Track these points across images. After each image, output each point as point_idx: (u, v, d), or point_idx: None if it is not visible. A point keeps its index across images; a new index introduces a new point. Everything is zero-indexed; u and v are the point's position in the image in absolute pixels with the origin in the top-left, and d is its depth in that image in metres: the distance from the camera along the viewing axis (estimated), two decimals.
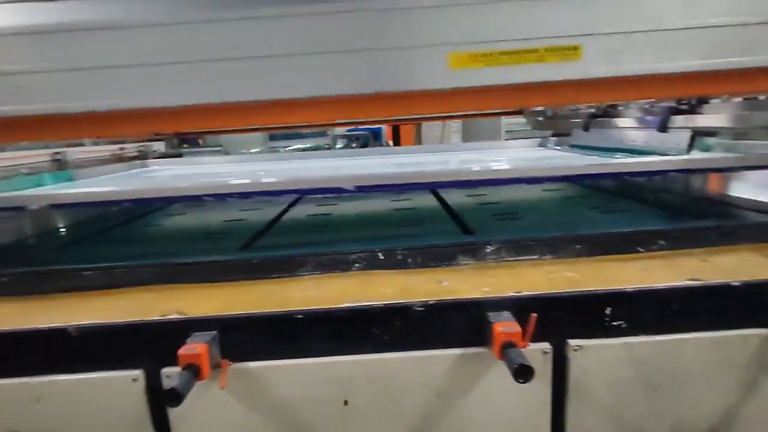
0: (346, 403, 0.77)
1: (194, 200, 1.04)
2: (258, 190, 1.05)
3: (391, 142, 7.14)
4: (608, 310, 0.76)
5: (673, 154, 1.35)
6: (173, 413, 0.76)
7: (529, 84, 0.74)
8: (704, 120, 1.29)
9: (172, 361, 0.74)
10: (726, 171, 1.22)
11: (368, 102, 0.79)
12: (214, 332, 0.75)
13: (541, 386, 0.77)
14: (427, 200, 1.50)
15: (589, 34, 0.73)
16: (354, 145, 7.72)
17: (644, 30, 0.74)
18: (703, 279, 0.77)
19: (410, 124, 5.64)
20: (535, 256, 0.93)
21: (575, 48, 0.72)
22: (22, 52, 0.76)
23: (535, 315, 0.72)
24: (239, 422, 0.77)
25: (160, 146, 3.29)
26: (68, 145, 2.47)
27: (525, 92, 0.76)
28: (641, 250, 0.92)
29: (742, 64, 0.77)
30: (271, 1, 0.74)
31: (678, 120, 1.38)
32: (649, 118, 1.52)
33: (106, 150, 2.60)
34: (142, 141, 2.90)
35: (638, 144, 1.61)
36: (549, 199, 1.42)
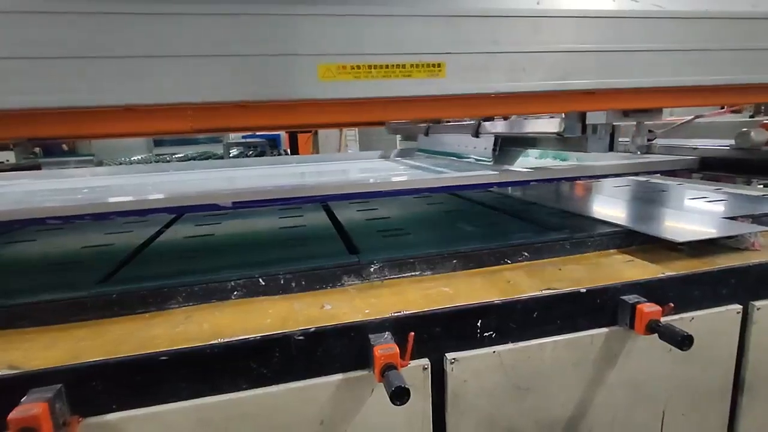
0: None
1: (37, 224, 0.90)
2: (119, 210, 0.94)
3: (288, 150, 6.98)
4: (479, 322, 0.81)
5: (484, 159, 1.53)
6: None
7: (397, 98, 0.77)
8: (502, 127, 1.48)
9: (2, 425, 0.62)
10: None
11: (235, 110, 0.75)
12: (59, 386, 0.65)
13: (422, 401, 0.79)
14: (318, 217, 1.48)
15: (452, 53, 0.78)
16: (250, 153, 7.39)
17: (500, 51, 0.81)
18: (558, 288, 0.86)
19: (308, 133, 5.58)
20: (415, 273, 0.96)
21: (439, 65, 0.77)
22: None
23: (413, 334, 0.75)
24: None
25: (8, 156, 2.83)
26: None
27: (393, 106, 0.78)
28: (509, 262, 1.00)
29: (579, 86, 0.89)
30: None
31: (486, 126, 1.56)
32: (466, 123, 1.70)
33: None
34: None
35: (460, 147, 1.80)
36: (432, 213, 1.49)
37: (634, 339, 0.88)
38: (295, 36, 0.67)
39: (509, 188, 1.86)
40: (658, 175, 2.04)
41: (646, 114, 1.06)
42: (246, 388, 0.72)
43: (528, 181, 1.22)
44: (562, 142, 1.25)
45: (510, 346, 0.82)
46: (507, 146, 1.52)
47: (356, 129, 4.92)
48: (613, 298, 0.87)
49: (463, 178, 1.13)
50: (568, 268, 0.98)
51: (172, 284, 0.85)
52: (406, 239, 1.14)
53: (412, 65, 0.72)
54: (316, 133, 5.18)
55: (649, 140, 1.65)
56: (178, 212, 0.96)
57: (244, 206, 0.98)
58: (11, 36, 0.65)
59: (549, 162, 1.88)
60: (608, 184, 1.80)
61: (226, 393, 0.71)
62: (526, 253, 1.02)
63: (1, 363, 0.66)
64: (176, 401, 0.70)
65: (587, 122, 1.12)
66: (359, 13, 0.71)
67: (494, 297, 0.83)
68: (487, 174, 1.16)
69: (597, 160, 1.49)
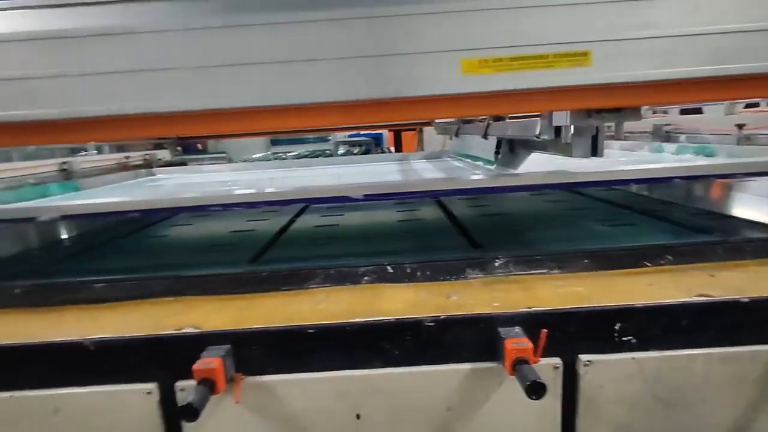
0: (358, 417, 0.77)
1: (202, 210, 1.05)
2: (267, 199, 1.06)
3: (392, 148, 7.17)
4: (618, 326, 0.76)
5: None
6: (187, 427, 0.76)
7: (538, 90, 0.75)
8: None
9: (186, 374, 0.74)
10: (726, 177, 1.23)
11: (382, 107, 0.80)
12: (228, 346, 0.75)
13: (551, 401, 0.77)
14: (433, 211, 1.51)
15: (598, 41, 0.74)
16: (356, 151, 7.76)
17: (652, 36, 0.75)
18: (712, 295, 0.77)
19: (413, 130, 5.66)
20: (543, 271, 0.93)
21: (584, 54, 0.73)
22: (35, 58, 0.75)
23: (546, 331, 0.73)
24: None
25: (164, 154, 3.31)
26: (73, 151, 2.49)
27: (535, 98, 0.77)
28: (648, 264, 0.92)
29: (743, 70, 0.78)
30: (285, 7, 0.75)
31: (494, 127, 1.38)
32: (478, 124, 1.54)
33: (111, 159, 2.62)
34: (147, 149, 2.91)
35: (473, 149, 1.67)
36: (553, 211, 1.43)
37: None
38: (438, 33, 0.70)
39: (633, 185, 1.71)
40: None
41: (614, 114, 0.89)
42: (379, 366, 0.77)
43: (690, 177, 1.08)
44: (553, 145, 1.08)
45: (652, 354, 0.76)
46: (517, 148, 1.38)
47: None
48: None
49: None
50: (722, 275, 0.87)
51: (312, 267, 0.94)
52: (528, 236, 1.11)
53: (554, 55, 0.70)
54: (421, 131, 5.23)
55: None
56: (317, 203, 1.07)
57: (374, 199, 1.04)
58: (187, 50, 0.77)
59: (689, 157, 1.69)
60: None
61: (362, 369, 0.77)
62: (669, 256, 0.93)
63: (186, 323, 0.79)
64: (319, 371, 0.77)
65: (561, 124, 0.96)
66: (501, 6, 0.72)
67: (635, 300, 0.77)
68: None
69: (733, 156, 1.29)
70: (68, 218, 1.06)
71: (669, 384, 0.76)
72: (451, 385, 0.77)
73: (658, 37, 0.75)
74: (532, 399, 0.64)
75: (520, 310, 0.77)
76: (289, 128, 0.82)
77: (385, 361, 0.77)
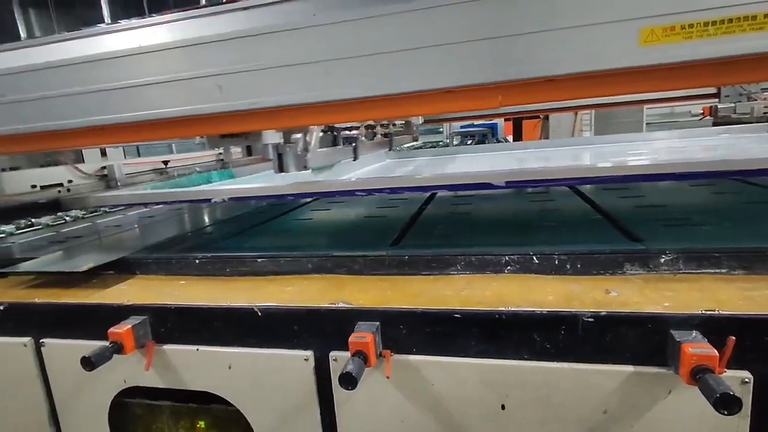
0: (503, 407, 0.75)
1: (349, 195, 1.11)
2: (416, 185, 1.09)
3: (510, 138, 6.87)
4: None
5: None
6: (338, 393, 0.82)
7: (743, 57, 0.64)
8: None
9: (338, 345, 0.80)
10: None
11: (540, 85, 0.75)
12: (377, 323, 0.79)
13: (735, 420, 0.67)
14: (574, 202, 1.40)
15: None
16: (470, 141, 7.60)
17: None
18: None
19: (535, 119, 5.35)
20: (721, 270, 0.81)
21: None
22: (221, 57, 0.84)
23: (734, 338, 0.63)
24: (396, 410, 0.80)
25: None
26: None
27: (736, 66, 0.65)
28: None
29: None
30: None
31: None
32: None
33: None
34: None
35: None
36: (725, 204, 1.23)
37: None
38: (614, 1, 0.64)
39: None
40: None
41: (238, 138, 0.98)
42: (528, 359, 0.74)
43: None
44: None
45: None
46: None
47: (592, 112, 4.45)
48: None
49: None
50: None
51: (453, 253, 0.94)
52: (699, 231, 0.97)
53: (767, 15, 0.59)
54: (546, 118, 4.92)
55: None
56: (460, 189, 1.06)
57: (516, 186, 1.01)
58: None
59: None
60: None
61: (509, 359, 0.75)
62: None
63: (338, 298, 0.85)
64: (464, 357, 0.77)
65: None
66: None
67: None
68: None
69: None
70: (236, 199, 1.20)
71: None
72: (609, 388, 0.71)
73: None
74: (721, 414, 0.56)
75: (699, 312, 0.67)
76: (454, 110, 0.80)
77: (535, 354, 0.74)
